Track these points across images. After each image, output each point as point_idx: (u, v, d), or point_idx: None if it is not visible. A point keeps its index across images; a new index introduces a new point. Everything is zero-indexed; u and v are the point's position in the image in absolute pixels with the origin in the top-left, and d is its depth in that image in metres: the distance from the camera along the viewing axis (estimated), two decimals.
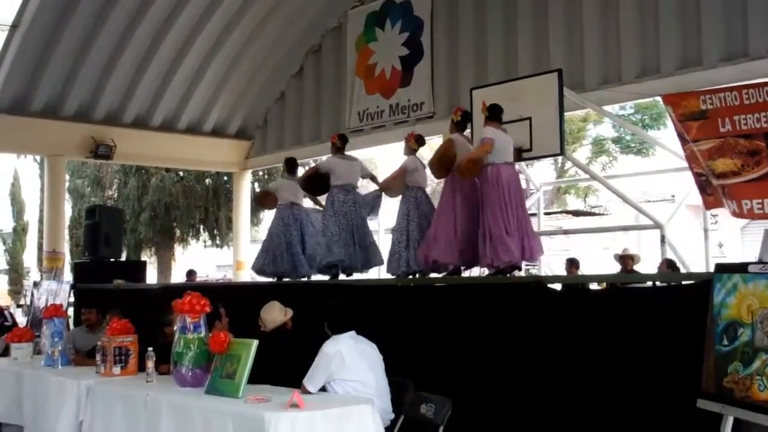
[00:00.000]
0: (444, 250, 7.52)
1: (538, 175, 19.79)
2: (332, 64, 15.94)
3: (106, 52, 14.51)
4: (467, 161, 7.35)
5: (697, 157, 8.29)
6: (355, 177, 9.25)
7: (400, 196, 8.75)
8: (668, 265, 10.74)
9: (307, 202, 10.31)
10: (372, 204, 9.32)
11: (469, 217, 7.47)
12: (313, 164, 20.43)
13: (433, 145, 11.74)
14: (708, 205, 8.65)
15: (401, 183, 8.63)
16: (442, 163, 7.83)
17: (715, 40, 10.20)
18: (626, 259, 11.10)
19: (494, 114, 7.49)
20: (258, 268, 10.01)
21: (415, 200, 8.39)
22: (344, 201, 8.88)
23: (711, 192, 8.36)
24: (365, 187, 11.01)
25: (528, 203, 10.28)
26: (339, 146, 9.23)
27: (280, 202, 9.94)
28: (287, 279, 9.62)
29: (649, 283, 7.19)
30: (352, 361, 5.14)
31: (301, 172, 10.74)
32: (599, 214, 27.51)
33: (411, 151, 8.69)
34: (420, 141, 8.80)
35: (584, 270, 13.43)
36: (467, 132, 8.46)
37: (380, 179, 9.63)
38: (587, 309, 5.68)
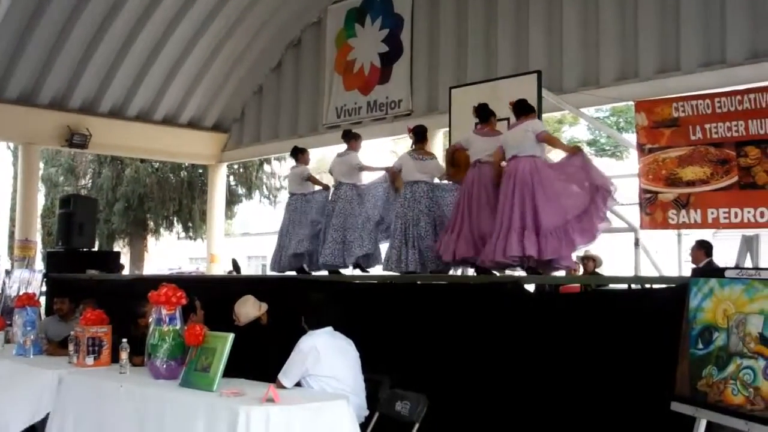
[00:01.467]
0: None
1: None
2: (311, 59, 15.91)
3: (83, 40, 14.37)
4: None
5: (650, 171, 8.31)
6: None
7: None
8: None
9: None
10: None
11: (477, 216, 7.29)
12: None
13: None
14: (643, 225, 8.59)
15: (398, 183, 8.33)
16: (451, 167, 7.90)
17: (694, 46, 10.31)
18: (587, 261, 11.14)
19: (517, 111, 7.18)
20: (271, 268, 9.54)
21: (404, 199, 7.95)
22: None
23: (650, 212, 8.36)
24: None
25: None
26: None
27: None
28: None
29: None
30: (327, 357, 5.12)
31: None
32: None
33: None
34: (417, 133, 8.21)
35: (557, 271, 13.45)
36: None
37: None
38: (563, 311, 5.70)
